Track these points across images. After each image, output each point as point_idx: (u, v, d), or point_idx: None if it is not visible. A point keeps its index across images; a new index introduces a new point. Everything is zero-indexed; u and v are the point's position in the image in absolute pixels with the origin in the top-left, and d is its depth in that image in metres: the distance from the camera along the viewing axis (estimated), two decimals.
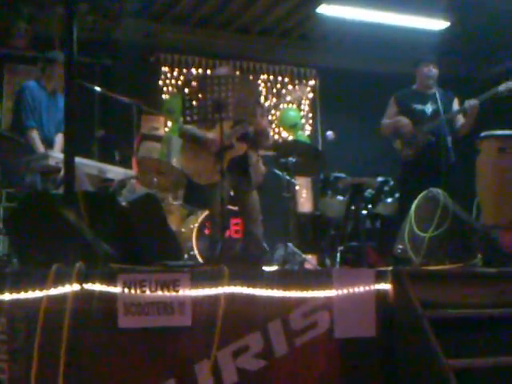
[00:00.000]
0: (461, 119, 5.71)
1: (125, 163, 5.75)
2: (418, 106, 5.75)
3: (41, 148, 5.13)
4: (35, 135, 5.19)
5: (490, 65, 9.39)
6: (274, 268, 5.48)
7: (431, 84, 5.71)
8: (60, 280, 2.61)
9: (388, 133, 5.89)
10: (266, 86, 8.99)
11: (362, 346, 2.96)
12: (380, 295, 3.01)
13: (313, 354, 2.89)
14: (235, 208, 5.65)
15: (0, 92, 7.71)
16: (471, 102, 5.42)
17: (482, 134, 4.92)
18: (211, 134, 4.95)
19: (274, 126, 8.98)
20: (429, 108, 5.71)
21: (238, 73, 8.65)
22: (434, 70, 5.72)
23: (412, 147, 5.66)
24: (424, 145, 5.60)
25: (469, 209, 4.77)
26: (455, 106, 5.79)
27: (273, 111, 8.89)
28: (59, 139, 5.33)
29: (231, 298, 2.80)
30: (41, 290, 2.59)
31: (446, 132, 5.45)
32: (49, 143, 5.27)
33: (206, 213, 6.27)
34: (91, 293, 2.64)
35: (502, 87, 5.31)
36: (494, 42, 8.68)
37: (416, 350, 2.97)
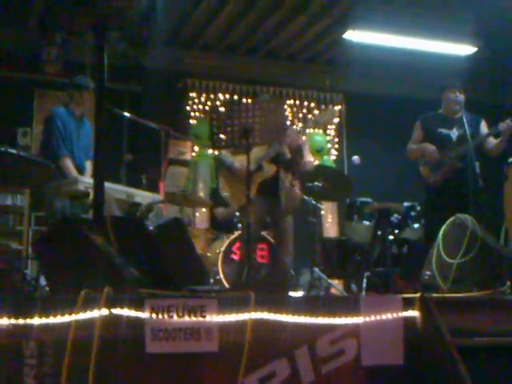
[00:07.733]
0: (491, 141, 5.64)
1: (152, 187, 5.80)
2: (444, 131, 5.69)
3: (74, 173, 5.10)
4: (69, 163, 5.18)
5: None
6: (300, 293, 5.46)
7: (457, 110, 5.67)
8: (89, 305, 2.63)
9: (414, 158, 5.85)
10: (292, 111, 9.04)
11: (390, 374, 2.93)
12: (408, 322, 2.98)
13: (340, 381, 2.86)
14: (266, 234, 5.74)
15: (30, 117, 7.85)
16: (506, 123, 5.35)
17: (510, 159, 4.88)
18: (241, 159, 5.02)
19: None
20: (454, 133, 5.65)
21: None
22: (460, 96, 5.67)
23: (439, 173, 5.59)
24: (451, 171, 5.54)
25: (497, 235, 4.72)
26: (483, 128, 5.72)
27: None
28: (89, 166, 5.35)
29: (258, 323, 2.78)
30: (69, 314, 2.61)
31: (474, 157, 5.38)
32: (80, 170, 5.27)
33: (232, 237, 6.30)
34: (119, 318, 2.65)
35: None
36: None
37: (444, 378, 2.93)
